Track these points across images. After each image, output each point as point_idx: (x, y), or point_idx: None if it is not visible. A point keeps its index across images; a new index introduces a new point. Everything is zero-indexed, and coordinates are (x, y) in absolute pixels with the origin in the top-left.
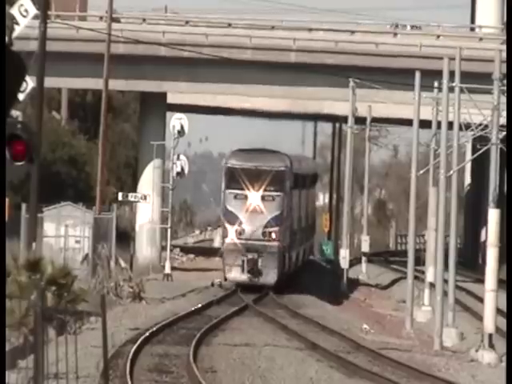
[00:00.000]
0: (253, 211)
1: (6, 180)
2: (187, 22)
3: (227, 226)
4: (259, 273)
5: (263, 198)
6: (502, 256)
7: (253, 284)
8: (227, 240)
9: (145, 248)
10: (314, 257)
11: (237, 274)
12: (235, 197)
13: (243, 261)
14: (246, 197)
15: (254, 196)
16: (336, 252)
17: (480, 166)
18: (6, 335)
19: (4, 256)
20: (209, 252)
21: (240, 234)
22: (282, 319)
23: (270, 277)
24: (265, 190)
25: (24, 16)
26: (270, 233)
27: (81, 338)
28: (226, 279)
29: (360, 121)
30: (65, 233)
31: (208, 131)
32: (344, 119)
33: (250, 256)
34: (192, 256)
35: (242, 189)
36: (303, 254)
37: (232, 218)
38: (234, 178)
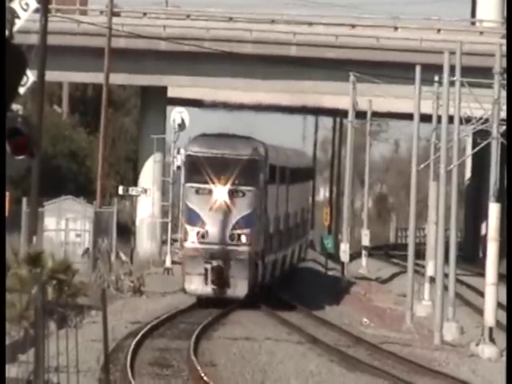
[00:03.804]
0: (218, 209)
1: (6, 174)
2: (188, 16)
3: (187, 227)
4: (226, 284)
5: (231, 193)
6: (502, 250)
7: (218, 298)
8: (187, 244)
9: (145, 242)
10: (315, 251)
11: (198, 286)
12: (197, 192)
13: (206, 269)
14: (209, 192)
15: (220, 191)
16: (336, 246)
17: (480, 160)
18: (7, 329)
19: (4, 252)
20: None
21: (203, 236)
22: (283, 313)
23: (239, 289)
24: (233, 184)
25: (25, 10)
26: (240, 235)
27: (81, 331)
28: (184, 292)
29: (360, 115)
30: (65, 227)
31: (208, 125)
32: (344, 113)
33: (214, 264)
34: None
35: (206, 182)
36: (289, 259)
37: (193, 218)
38: (196, 169)
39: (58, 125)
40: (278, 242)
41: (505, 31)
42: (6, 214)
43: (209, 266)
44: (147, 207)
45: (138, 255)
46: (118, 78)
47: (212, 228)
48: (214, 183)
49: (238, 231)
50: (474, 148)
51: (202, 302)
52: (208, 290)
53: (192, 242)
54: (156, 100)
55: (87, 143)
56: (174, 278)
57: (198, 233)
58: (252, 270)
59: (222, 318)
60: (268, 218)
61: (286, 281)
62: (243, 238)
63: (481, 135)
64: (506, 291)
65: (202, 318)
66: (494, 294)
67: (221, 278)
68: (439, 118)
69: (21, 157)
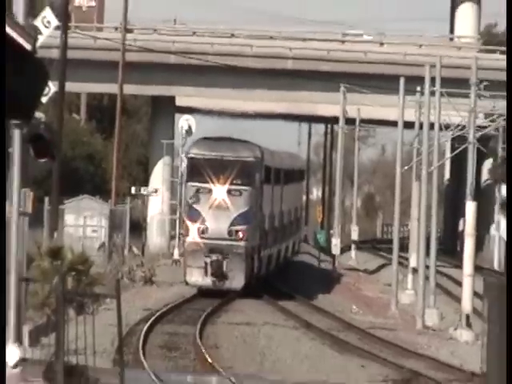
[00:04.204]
0: (217, 207)
1: (32, 175)
2: (194, 33)
3: (188, 223)
4: (224, 276)
5: (229, 192)
6: (477, 244)
7: (217, 289)
8: (188, 239)
9: (155, 237)
10: (309, 244)
11: (199, 278)
12: (198, 191)
13: (206, 263)
14: (209, 191)
15: (219, 190)
16: (328, 240)
17: (458, 162)
18: (31, 315)
19: (4, 256)
20: None
21: (203, 232)
22: (280, 302)
23: (236, 281)
24: (231, 184)
25: (47, 27)
26: (237, 231)
27: (98, 317)
28: (186, 283)
29: (350, 122)
30: (83, 223)
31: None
32: (335, 120)
33: (213, 257)
34: None
35: (206, 182)
36: (283, 253)
37: (194, 215)
38: (197, 170)
39: (76, 131)
40: (273, 238)
41: (480, 46)
42: (30, 211)
43: (208, 260)
44: (157, 205)
45: (148, 249)
46: (130, 89)
47: (212, 224)
48: (213, 183)
49: (236, 227)
50: (452, 152)
51: (202, 293)
52: (208, 281)
53: (193, 237)
54: (165, 108)
55: (103, 147)
56: (181, 269)
57: (198, 229)
58: (248, 264)
59: (224, 306)
60: (263, 216)
61: (282, 273)
62: (240, 234)
63: (458, 140)
64: (506, 290)
65: (206, 306)
66: (471, 284)
67: (219, 271)
68: (421, 125)
69: (43, 159)
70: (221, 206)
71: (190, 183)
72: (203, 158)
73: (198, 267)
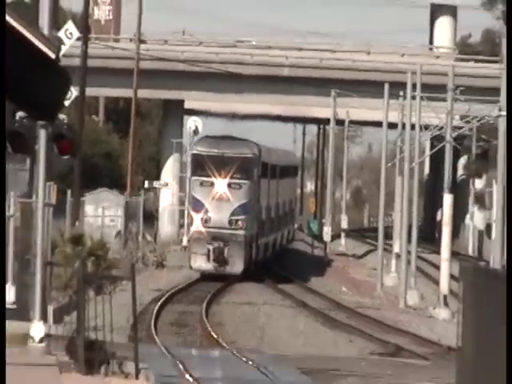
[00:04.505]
0: (219, 199)
1: (55, 170)
2: (200, 43)
3: (193, 213)
4: (225, 262)
5: (230, 185)
6: (454, 232)
7: (219, 273)
8: (193, 228)
9: (166, 225)
10: (303, 232)
11: (202, 263)
12: (201, 184)
13: (209, 249)
14: (212, 184)
15: (221, 183)
16: (320, 228)
17: (436, 159)
18: (55, 296)
19: (4, 255)
20: None
21: (206, 222)
22: (277, 283)
23: (236, 266)
24: (231, 178)
25: (69, 38)
26: (237, 221)
27: (114, 297)
28: (191, 268)
29: (340, 123)
30: (102, 213)
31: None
32: (327, 121)
33: (215, 245)
34: None
35: (209, 176)
36: (278, 241)
37: (198, 206)
38: (200, 165)
39: (95, 131)
40: (270, 227)
41: (456, 55)
42: (54, 202)
43: (211, 247)
44: (168, 197)
45: (160, 236)
46: (144, 93)
47: (214, 214)
48: (215, 177)
49: (236, 217)
50: (431, 150)
51: (205, 277)
52: (210, 266)
53: (197, 226)
54: (174, 111)
55: (119, 146)
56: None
57: (201, 218)
58: (247, 250)
59: (228, 287)
60: (261, 207)
61: (279, 258)
62: (240, 223)
63: (437, 139)
64: (506, 289)
65: (211, 287)
66: (448, 268)
67: (221, 257)
68: (403, 126)
69: (66, 156)
70: (222, 198)
71: (194, 177)
72: (206, 154)
73: (202, 253)
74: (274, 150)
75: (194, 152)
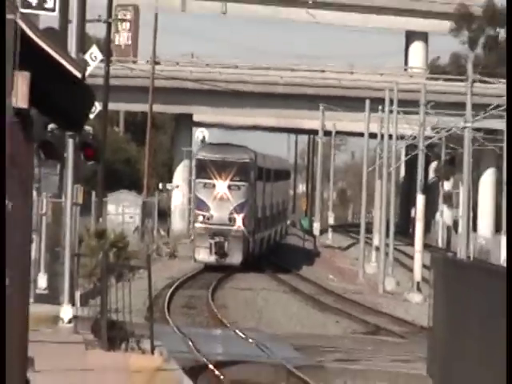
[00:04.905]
0: (220, 199)
1: (82, 174)
2: (207, 65)
3: (197, 212)
4: (225, 254)
5: (230, 186)
6: (425, 227)
7: (219, 264)
8: (197, 225)
9: (177, 222)
10: (296, 227)
11: (205, 256)
12: (204, 185)
13: (211, 244)
14: (214, 186)
15: (221, 185)
16: (311, 224)
17: (410, 164)
18: (81, 282)
19: (4, 255)
20: None
21: (208, 219)
22: (274, 272)
23: (235, 258)
24: (231, 180)
25: (93, 60)
26: (236, 219)
27: (133, 284)
28: (195, 260)
29: (327, 133)
30: (122, 211)
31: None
32: (316, 132)
33: (217, 239)
34: None
35: (211, 178)
36: (273, 237)
37: (201, 205)
38: (204, 169)
39: (116, 140)
40: (265, 224)
41: (427, 75)
42: (81, 202)
43: (213, 241)
44: (179, 198)
45: (172, 231)
46: (158, 108)
47: (215, 213)
48: (217, 179)
49: (235, 215)
50: (406, 156)
51: (208, 268)
52: (212, 259)
53: (200, 223)
54: (185, 123)
55: (137, 153)
56: None
57: (204, 216)
58: (245, 244)
59: (230, 275)
60: (257, 206)
61: (274, 251)
62: (238, 221)
63: (411, 147)
64: (506, 287)
65: (217, 275)
66: (420, 258)
67: (221, 250)
68: (382, 136)
69: (90, 162)
70: (223, 198)
71: (198, 179)
72: (209, 159)
73: (205, 247)
74: (268, 156)
75: (198, 157)
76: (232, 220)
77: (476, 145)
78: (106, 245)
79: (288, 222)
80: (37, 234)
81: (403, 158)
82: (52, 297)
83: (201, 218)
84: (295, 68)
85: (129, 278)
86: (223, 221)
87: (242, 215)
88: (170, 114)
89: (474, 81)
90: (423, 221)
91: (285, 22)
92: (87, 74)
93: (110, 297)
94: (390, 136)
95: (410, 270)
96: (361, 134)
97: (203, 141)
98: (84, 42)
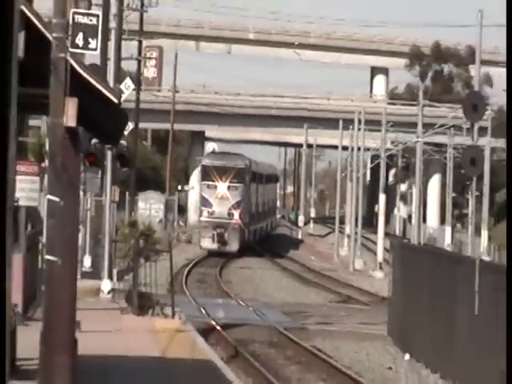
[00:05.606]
0: (221, 197)
1: (118, 178)
2: (216, 92)
3: (202, 208)
4: (225, 243)
5: (229, 187)
6: (386, 220)
7: (220, 251)
8: (202, 219)
9: (193, 216)
10: (285, 220)
11: (208, 244)
12: (208, 186)
13: (213, 234)
14: (216, 187)
15: (222, 186)
16: (296, 217)
17: (374, 171)
18: (117, 263)
19: (4, 252)
20: None
21: (211, 214)
22: (268, 255)
23: (233, 246)
24: (230, 182)
25: (127, 89)
26: (234, 213)
27: (158, 264)
28: (200, 247)
29: (310, 146)
30: (149, 207)
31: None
32: (301, 146)
33: (218, 230)
34: None
35: (213, 180)
36: (264, 228)
37: (206, 203)
38: (207, 173)
39: (144, 152)
40: (257, 218)
41: (388, 101)
42: (117, 200)
43: (215, 232)
44: (194, 196)
45: (188, 223)
46: (178, 126)
47: (217, 209)
48: (218, 181)
49: (233, 211)
50: (371, 164)
51: (212, 253)
52: (214, 246)
53: (205, 217)
54: (198, 138)
55: (161, 161)
56: None
57: (208, 212)
58: (242, 235)
59: (234, 258)
60: (251, 203)
61: (266, 239)
62: (236, 215)
63: (375, 157)
64: (506, 287)
65: (223, 258)
66: (382, 243)
67: (222, 239)
68: (352, 148)
69: (125, 169)
70: (223, 197)
71: (203, 182)
72: (212, 165)
73: (208, 237)
74: (260, 163)
75: (203, 164)
76: (231, 215)
77: (426, 155)
78: (137, 233)
79: (278, 216)
80: (83, 225)
81: (369, 166)
82: (95, 274)
83: (205, 213)
84: (285, 95)
85: (155, 259)
86: (223, 215)
87: (239, 211)
88: (187, 131)
89: (424, 105)
90: (384, 214)
91: (276, 58)
92: (122, 99)
93: (139, 274)
94: (359, 148)
95: (374, 252)
96: (336, 147)
97: (213, 152)
98: (120, 75)
